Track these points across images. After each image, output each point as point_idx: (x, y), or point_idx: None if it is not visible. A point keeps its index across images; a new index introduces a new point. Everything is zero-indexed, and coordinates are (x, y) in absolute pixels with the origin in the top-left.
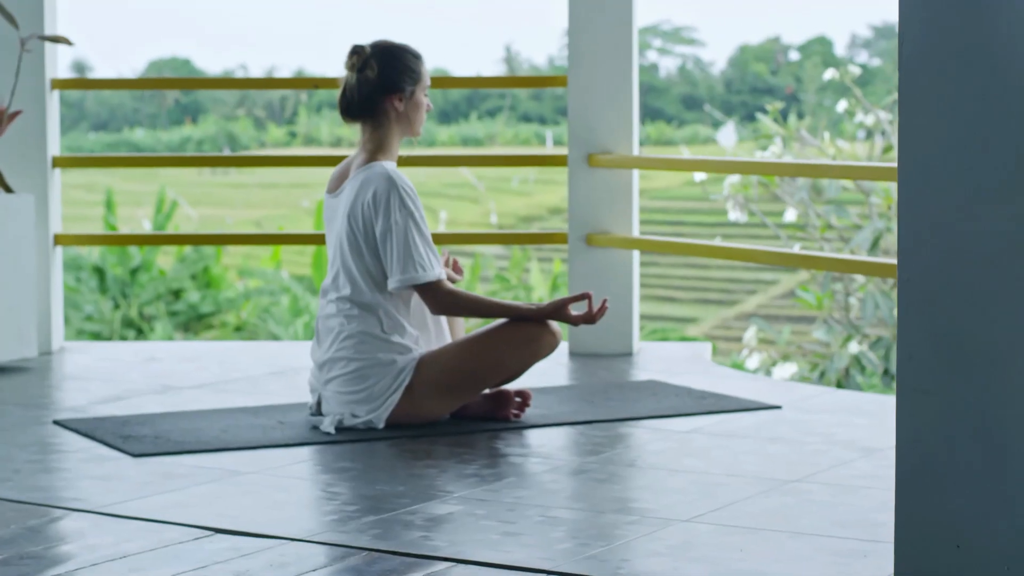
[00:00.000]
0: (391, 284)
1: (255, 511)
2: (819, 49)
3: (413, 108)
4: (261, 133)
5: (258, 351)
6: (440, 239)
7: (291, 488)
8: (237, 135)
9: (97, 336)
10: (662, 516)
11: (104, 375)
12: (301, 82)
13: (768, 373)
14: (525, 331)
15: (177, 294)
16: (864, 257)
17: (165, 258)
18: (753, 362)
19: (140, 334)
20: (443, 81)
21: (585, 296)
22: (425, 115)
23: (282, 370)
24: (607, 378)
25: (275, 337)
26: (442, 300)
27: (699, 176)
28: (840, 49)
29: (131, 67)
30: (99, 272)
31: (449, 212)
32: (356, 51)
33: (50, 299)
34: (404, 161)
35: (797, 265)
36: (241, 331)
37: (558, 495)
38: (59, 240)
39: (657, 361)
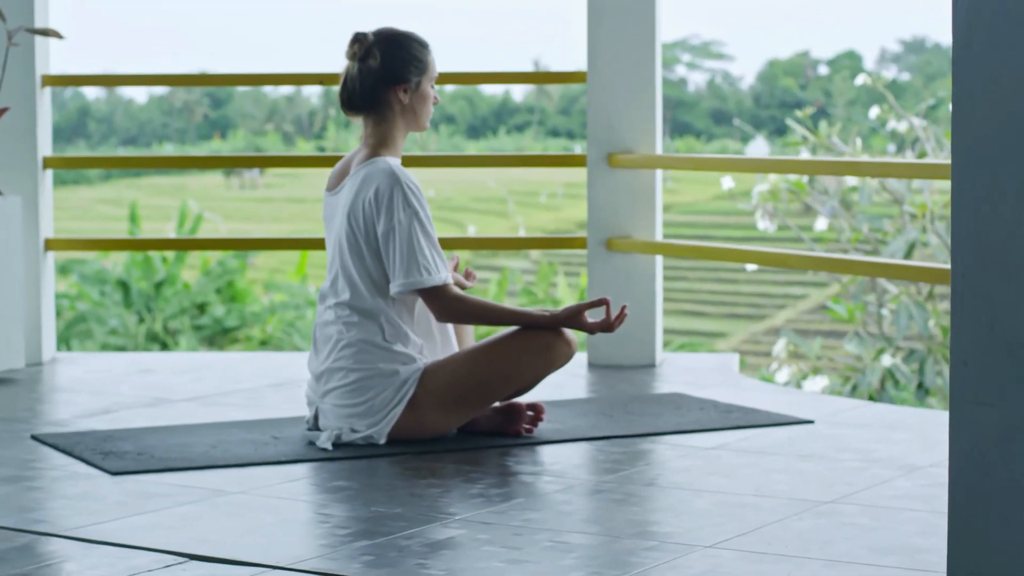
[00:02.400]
0: (393, 289)
1: (236, 535)
2: (848, 63)
3: (419, 100)
4: (289, 147)
5: (261, 362)
6: (456, 244)
7: (279, 509)
8: (266, 149)
9: (121, 351)
10: (684, 541)
11: (93, 387)
12: (306, 78)
13: (798, 387)
14: (538, 340)
15: (202, 308)
16: (891, 260)
17: (190, 272)
18: (783, 376)
19: (165, 348)
20: (453, 78)
21: (602, 302)
22: (432, 108)
23: (283, 382)
24: (627, 390)
25: (300, 351)
26: (448, 306)
27: (727, 183)
28: (869, 63)
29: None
30: (123, 286)
31: (477, 226)
32: (358, 39)
33: (40, 307)
34: (417, 161)
35: (821, 269)
36: (266, 345)
37: (570, 518)
38: (50, 245)
39: (681, 373)
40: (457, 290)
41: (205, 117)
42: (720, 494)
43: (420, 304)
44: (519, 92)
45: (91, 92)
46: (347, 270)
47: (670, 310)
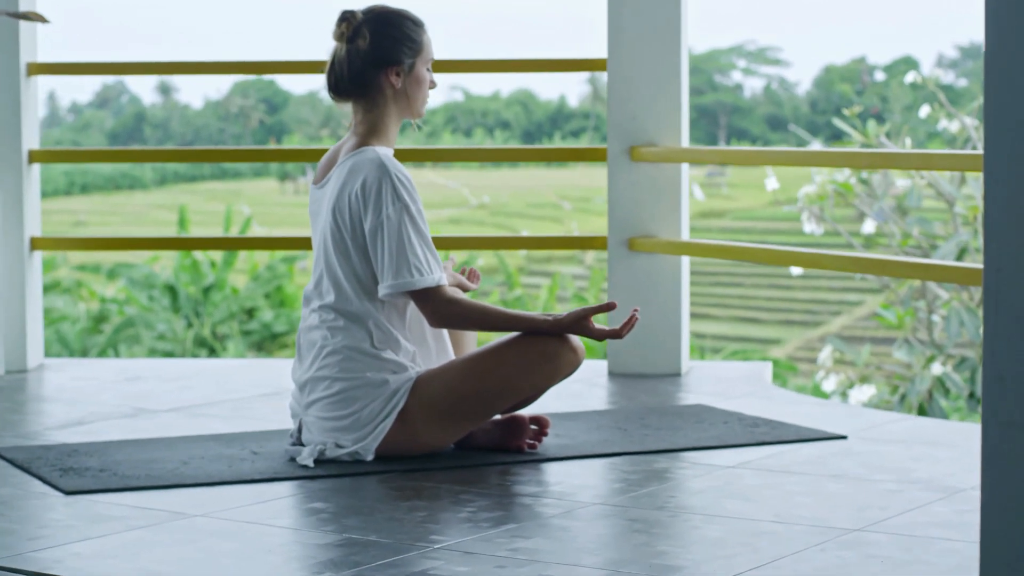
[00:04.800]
0: (382, 290)
1: (186, 565)
2: (905, 69)
3: (413, 84)
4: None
5: (255, 369)
6: (473, 244)
7: (241, 535)
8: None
9: (169, 356)
10: (692, 574)
11: (74, 396)
12: (305, 66)
13: (844, 396)
14: (541, 347)
15: (250, 313)
16: (933, 260)
17: (238, 276)
18: (830, 384)
19: (212, 353)
20: (460, 65)
21: (610, 306)
22: (428, 93)
23: (276, 391)
24: (648, 402)
25: None
26: (442, 310)
27: (771, 185)
28: (926, 69)
29: (216, 88)
30: (171, 290)
31: (531, 231)
32: (345, 18)
33: (25, 311)
34: (424, 155)
35: (855, 270)
36: None
37: (566, 546)
38: (36, 244)
39: (709, 382)
40: (452, 292)
41: (261, 123)
42: (736, 520)
43: (412, 307)
44: (574, 97)
45: (147, 97)
46: (332, 270)
47: (726, 316)
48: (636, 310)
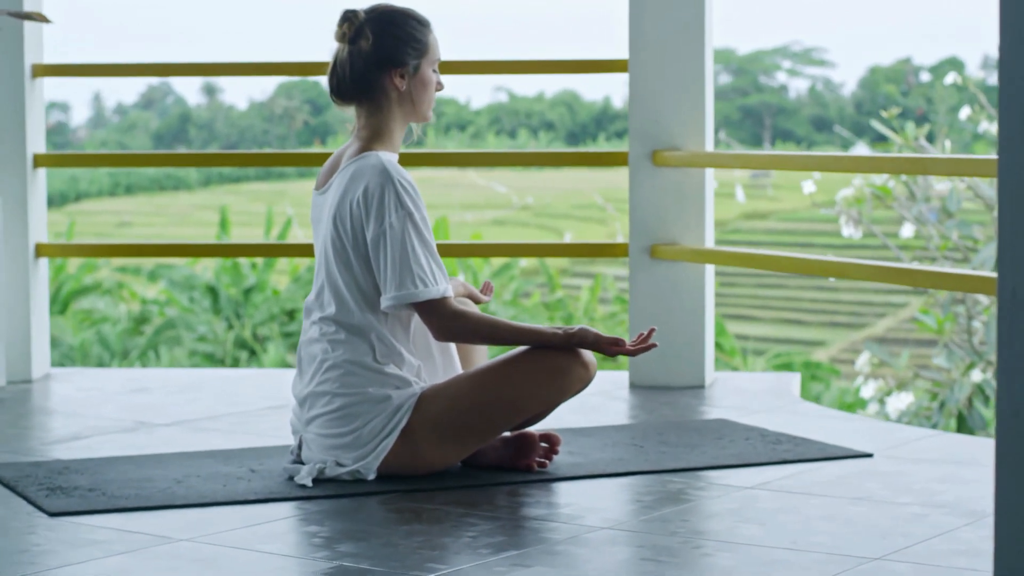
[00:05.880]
0: (384, 302)
1: None
2: (950, 70)
3: (419, 86)
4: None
5: (266, 379)
6: (496, 251)
7: (225, 562)
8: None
9: (210, 357)
10: None
11: (75, 409)
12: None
13: (882, 403)
14: (551, 361)
15: (291, 315)
16: (962, 270)
17: (279, 278)
18: (868, 390)
19: (253, 355)
20: (475, 66)
21: (617, 342)
22: (435, 95)
23: (284, 403)
24: (668, 416)
25: None
26: (447, 323)
27: (807, 188)
28: (972, 70)
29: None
30: (212, 292)
31: (575, 233)
32: (347, 18)
33: (30, 319)
34: (431, 160)
35: (880, 280)
36: None
37: (568, 575)
38: (41, 251)
39: (733, 395)
40: (458, 305)
41: (305, 124)
42: (750, 547)
43: (417, 319)
44: (619, 99)
45: (192, 98)
46: (333, 280)
47: (769, 318)
48: (653, 329)
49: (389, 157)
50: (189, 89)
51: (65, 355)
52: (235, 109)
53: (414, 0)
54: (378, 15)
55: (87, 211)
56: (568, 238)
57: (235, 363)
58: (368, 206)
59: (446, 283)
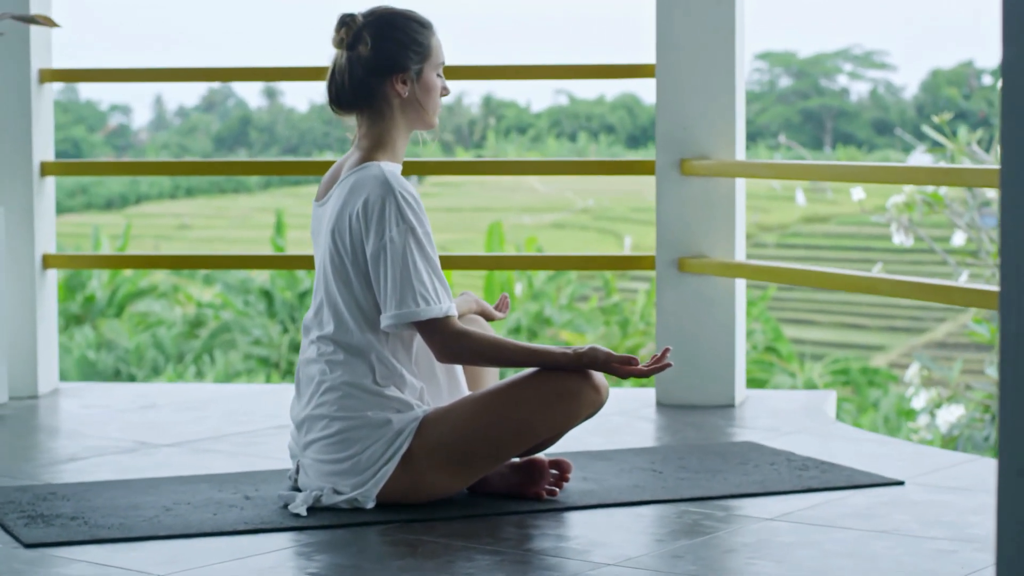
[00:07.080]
0: (384, 321)
1: None
2: None
3: (423, 92)
4: (448, 157)
5: (279, 396)
6: (515, 264)
7: None
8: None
9: (265, 361)
10: None
11: (76, 428)
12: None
13: (933, 415)
14: (560, 384)
15: None
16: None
17: None
18: (920, 402)
19: None
20: (492, 72)
21: (631, 360)
22: (440, 101)
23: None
24: (692, 438)
25: None
26: (450, 344)
27: (857, 195)
28: None
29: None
30: (267, 295)
31: (634, 237)
32: (345, 22)
33: (36, 332)
34: (442, 168)
35: (915, 297)
36: None
37: None
38: (49, 262)
39: (764, 415)
40: (462, 325)
41: None
42: None
43: (420, 339)
44: None
45: (253, 101)
46: (332, 298)
47: (827, 323)
48: (668, 349)
49: (391, 168)
50: (250, 92)
51: (120, 359)
52: (296, 112)
53: (419, 2)
54: (377, 18)
55: (147, 213)
56: (628, 241)
57: (289, 367)
58: (368, 219)
59: (449, 301)
